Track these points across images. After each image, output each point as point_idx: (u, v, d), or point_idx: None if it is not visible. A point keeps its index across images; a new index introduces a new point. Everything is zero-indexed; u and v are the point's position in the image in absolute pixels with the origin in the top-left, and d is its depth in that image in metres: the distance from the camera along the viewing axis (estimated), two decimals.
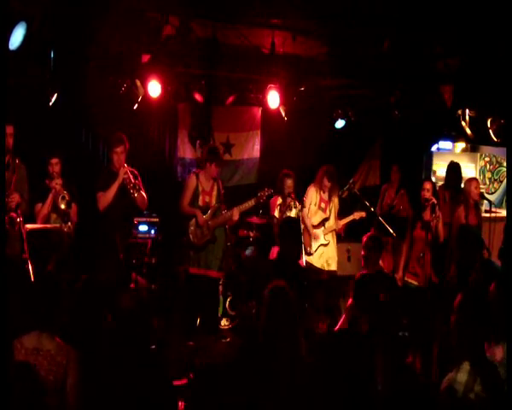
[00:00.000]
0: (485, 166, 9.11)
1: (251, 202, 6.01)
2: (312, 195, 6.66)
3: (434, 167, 8.84)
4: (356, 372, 2.55)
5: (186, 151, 8.02)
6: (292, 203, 6.26)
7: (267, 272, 5.86)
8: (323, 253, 6.64)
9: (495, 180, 9.10)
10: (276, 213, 6.52)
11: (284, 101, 7.33)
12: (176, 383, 3.84)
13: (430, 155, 8.88)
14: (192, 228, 5.90)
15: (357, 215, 6.74)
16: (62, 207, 5.36)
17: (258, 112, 8.26)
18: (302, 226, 6.53)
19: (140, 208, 5.70)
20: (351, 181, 6.92)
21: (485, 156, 9.10)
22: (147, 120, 7.64)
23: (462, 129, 7.33)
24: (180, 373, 4.27)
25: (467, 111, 7.19)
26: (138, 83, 6.64)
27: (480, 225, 6.24)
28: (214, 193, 6.02)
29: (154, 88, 6.64)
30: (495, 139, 7.20)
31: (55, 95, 6.18)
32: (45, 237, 4.98)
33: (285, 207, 6.28)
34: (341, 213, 6.84)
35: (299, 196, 6.51)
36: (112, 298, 3.48)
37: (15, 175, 4.86)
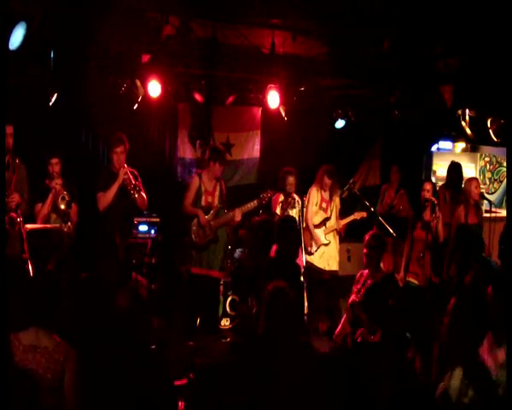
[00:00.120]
0: (485, 166, 9.11)
1: (253, 204, 6.01)
2: (313, 195, 6.66)
3: (434, 167, 8.84)
4: (358, 375, 2.55)
5: (186, 151, 8.02)
6: (293, 202, 6.25)
7: (265, 272, 5.87)
8: (324, 253, 6.64)
9: (495, 180, 9.10)
10: (278, 211, 6.51)
11: (284, 101, 7.33)
12: (176, 383, 3.84)
13: (430, 155, 8.88)
14: (194, 228, 5.91)
15: (357, 215, 6.74)
16: (62, 207, 5.36)
17: (258, 112, 8.26)
18: (304, 225, 6.55)
19: (140, 209, 5.70)
20: (351, 181, 6.92)
21: (485, 156, 9.10)
22: (147, 120, 7.64)
23: (462, 129, 7.33)
24: (180, 373, 4.27)
25: (467, 111, 7.19)
26: (138, 83, 6.64)
27: (481, 225, 6.24)
28: (217, 193, 6.03)
29: (154, 88, 6.64)
30: (495, 139, 7.20)
31: (55, 95, 6.18)
32: (45, 237, 4.97)
33: (286, 204, 6.26)
34: (342, 213, 6.84)
35: (300, 195, 6.50)
36: (111, 297, 3.48)
37: (15, 175, 4.86)
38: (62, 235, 5.27)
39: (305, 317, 5.78)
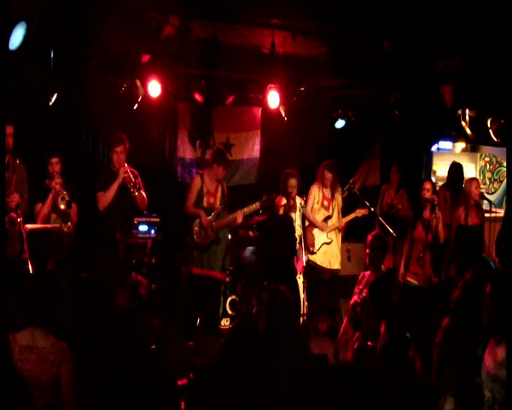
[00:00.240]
0: (485, 166, 9.11)
1: (255, 206, 6.01)
2: (315, 193, 6.66)
3: (434, 167, 8.84)
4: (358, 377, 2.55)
5: (186, 151, 8.02)
6: (295, 205, 6.24)
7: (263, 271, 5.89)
8: (327, 251, 6.64)
9: (495, 180, 9.10)
10: (281, 213, 6.50)
11: (284, 101, 7.33)
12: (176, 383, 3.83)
13: (430, 155, 8.88)
14: (196, 228, 5.91)
15: (359, 213, 6.73)
16: (62, 207, 5.35)
17: (258, 112, 8.26)
18: (307, 224, 6.56)
19: (140, 208, 5.70)
20: (351, 181, 6.92)
21: (485, 156, 9.10)
22: (147, 120, 7.64)
23: (462, 129, 7.34)
24: (180, 373, 4.27)
25: (467, 111, 7.20)
26: (138, 83, 6.64)
27: (482, 225, 6.22)
28: (218, 194, 6.03)
29: (154, 88, 6.64)
30: (495, 139, 7.20)
31: (55, 95, 6.18)
32: (45, 237, 4.97)
33: (289, 207, 6.25)
34: (343, 213, 6.84)
35: (301, 196, 6.50)
36: (111, 297, 3.48)
37: (15, 175, 4.86)
38: (62, 235, 5.27)
39: (305, 317, 5.80)
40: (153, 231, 7.07)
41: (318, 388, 2.86)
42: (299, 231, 6.22)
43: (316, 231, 6.63)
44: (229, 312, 6.64)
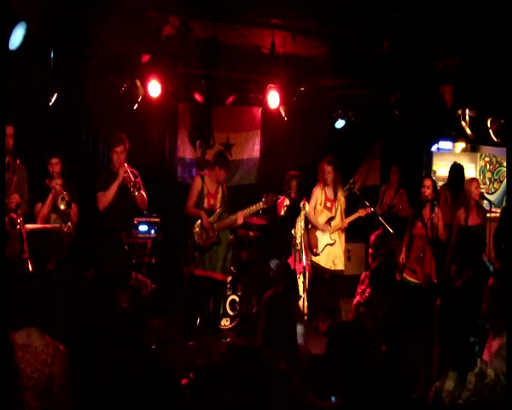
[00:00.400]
0: (485, 166, 9.11)
1: (255, 207, 6.01)
2: (317, 194, 6.66)
3: (434, 167, 8.83)
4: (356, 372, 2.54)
5: (186, 151, 8.02)
6: (300, 205, 6.25)
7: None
8: (330, 252, 6.63)
9: (495, 180, 9.10)
10: (283, 214, 6.51)
11: (284, 101, 7.33)
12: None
13: (430, 155, 8.87)
14: (197, 230, 5.91)
15: (362, 212, 6.72)
16: (62, 207, 5.35)
17: (258, 112, 8.26)
18: (309, 226, 6.56)
19: (140, 208, 5.70)
20: (351, 181, 6.92)
21: (485, 156, 9.09)
22: (147, 120, 7.64)
23: (462, 129, 7.34)
24: (180, 373, 4.27)
25: (467, 111, 7.20)
26: (138, 83, 6.64)
27: (484, 226, 6.20)
28: (219, 196, 6.03)
29: (154, 88, 6.64)
30: (495, 139, 7.20)
31: (55, 95, 6.18)
32: (45, 237, 4.98)
33: (291, 208, 6.24)
34: (345, 212, 6.84)
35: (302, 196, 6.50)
36: (114, 296, 3.48)
37: (16, 176, 4.86)
38: (62, 235, 5.27)
39: (305, 317, 5.80)
40: (153, 231, 7.07)
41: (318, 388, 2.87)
42: (300, 233, 6.23)
43: (319, 233, 6.63)
44: (230, 312, 6.65)
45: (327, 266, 6.61)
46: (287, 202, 6.48)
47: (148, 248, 6.95)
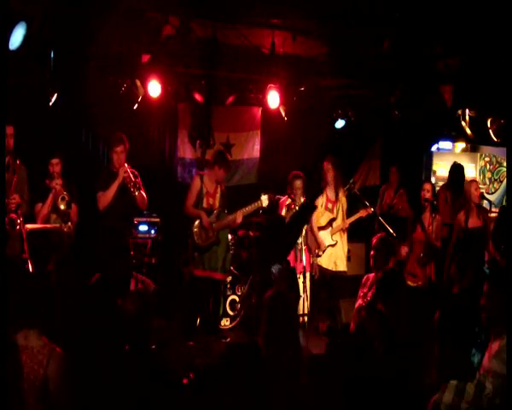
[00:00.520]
0: (485, 166, 9.11)
1: (254, 206, 6.00)
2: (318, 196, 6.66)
3: (434, 167, 8.84)
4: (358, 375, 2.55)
5: (186, 151, 8.02)
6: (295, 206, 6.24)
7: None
8: (332, 254, 6.63)
9: (495, 180, 9.11)
10: (284, 213, 6.51)
11: (284, 101, 7.33)
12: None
13: (430, 155, 8.88)
14: (196, 230, 5.90)
15: (363, 213, 6.72)
16: (62, 207, 5.36)
17: (258, 112, 8.26)
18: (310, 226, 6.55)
19: (140, 208, 5.70)
20: (351, 181, 6.91)
21: (485, 156, 9.10)
22: (147, 120, 7.64)
23: (462, 129, 7.34)
24: (180, 373, 4.27)
25: (467, 111, 7.20)
26: (138, 83, 6.64)
27: (486, 226, 6.20)
28: (218, 195, 6.02)
29: (154, 88, 6.64)
30: (495, 139, 7.21)
31: (55, 95, 6.17)
32: (45, 237, 4.98)
33: (293, 207, 6.23)
34: (346, 213, 6.85)
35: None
36: (119, 298, 3.47)
37: (16, 176, 4.86)
38: (62, 235, 5.27)
39: (305, 317, 5.80)
40: (153, 231, 7.07)
41: (318, 388, 2.87)
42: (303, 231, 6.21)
43: (320, 234, 6.62)
44: (230, 312, 6.65)
45: (328, 268, 6.60)
46: (289, 201, 6.47)
47: (148, 248, 6.95)
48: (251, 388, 2.79)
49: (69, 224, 5.45)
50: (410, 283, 6.02)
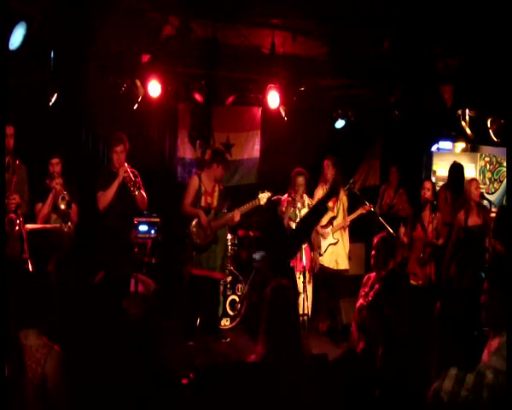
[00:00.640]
0: (485, 166, 9.11)
1: (251, 204, 6.01)
2: (319, 195, 6.66)
3: (434, 167, 8.84)
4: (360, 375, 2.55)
5: (186, 151, 8.02)
6: (305, 202, 6.25)
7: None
8: (333, 252, 6.63)
9: (495, 180, 9.11)
10: (284, 209, 6.50)
11: (284, 101, 7.33)
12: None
13: (430, 155, 8.88)
14: (194, 230, 5.90)
15: (363, 209, 6.72)
16: (62, 207, 5.36)
17: (258, 112, 8.26)
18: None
19: (140, 208, 5.70)
20: (351, 181, 6.92)
21: (485, 156, 9.10)
22: (147, 120, 7.64)
23: (462, 129, 7.34)
24: (180, 373, 4.28)
25: (467, 111, 7.20)
26: (138, 83, 6.64)
27: (486, 225, 6.20)
28: (216, 194, 6.03)
29: (154, 88, 6.64)
30: (495, 139, 7.20)
31: (55, 95, 6.18)
32: (45, 237, 4.98)
33: (293, 204, 6.22)
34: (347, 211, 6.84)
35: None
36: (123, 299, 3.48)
37: (15, 176, 4.86)
38: (62, 235, 5.27)
39: (305, 317, 5.79)
40: (153, 231, 7.08)
41: (318, 388, 2.86)
42: None
43: (320, 233, 6.62)
44: (230, 312, 6.65)
45: (330, 266, 6.61)
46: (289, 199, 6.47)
47: (148, 248, 6.95)
48: (251, 388, 2.79)
49: (69, 224, 5.45)
50: (412, 282, 6.02)
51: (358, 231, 7.23)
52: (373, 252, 5.18)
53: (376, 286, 5.02)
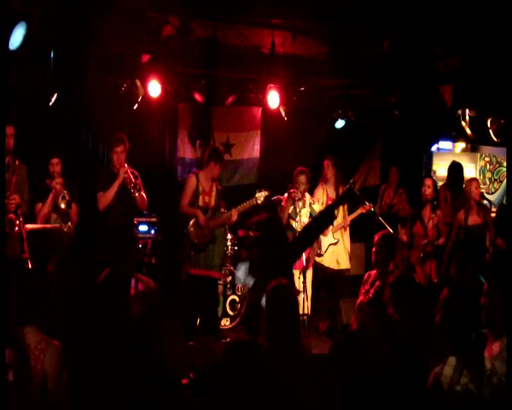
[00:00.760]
0: (485, 166, 9.11)
1: (248, 203, 6.01)
2: (319, 195, 6.67)
3: (434, 167, 8.84)
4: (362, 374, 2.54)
5: (186, 151, 8.02)
6: (306, 201, 6.27)
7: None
8: (333, 252, 6.64)
9: (495, 180, 9.11)
10: (284, 203, 6.51)
11: (284, 101, 7.33)
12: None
13: (430, 155, 8.88)
14: (192, 229, 5.90)
15: (363, 209, 6.72)
16: (62, 206, 5.36)
17: (258, 112, 8.26)
18: None
19: (140, 209, 5.70)
20: (351, 181, 6.91)
21: (485, 156, 9.10)
22: (147, 120, 7.64)
23: (462, 129, 7.34)
24: (180, 373, 4.27)
25: (467, 111, 7.20)
26: (138, 83, 6.64)
27: (486, 224, 6.20)
28: (213, 193, 6.03)
29: (154, 88, 6.64)
30: (495, 139, 7.21)
31: (55, 95, 6.18)
32: (45, 237, 4.98)
33: (294, 202, 6.23)
34: (347, 211, 6.85)
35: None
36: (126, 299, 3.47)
37: (15, 176, 4.86)
38: (62, 235, 5.27)
39: (305, 317, 5.79)
40: (153, 231, 7.07)
41: (318, 387, 2.86)
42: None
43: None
44: (230, 312, 6.65)
45: (330, 266, 6.61)
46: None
47: (148, 249, 6.94)
48: (251, 387, 2.78)
49: (69, 224, 5.45)
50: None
51: (358, 231, 7.23)
52: (374, 249, 5.19)
53: (377, 283, 5.03)
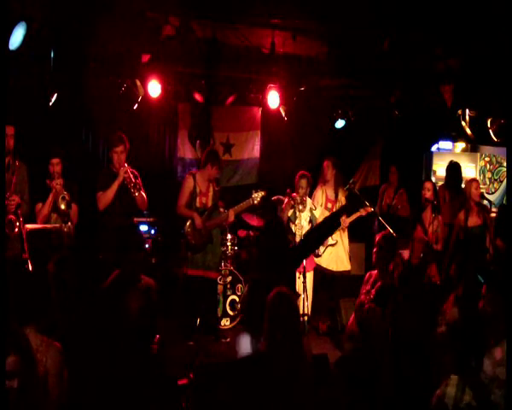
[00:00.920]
0: (485, 166, 9.11)
1: (245, 203, 6.01)
2: (318, 196, 6.66)
3: (434, 167, 8.84)
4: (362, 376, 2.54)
5: (186, 151, 8.02)
6: (306, 205, 6.28)
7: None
8: (332, 253, 6.63)
9: (495, 180, 9.11)
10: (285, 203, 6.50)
11: (284, 101, 7.33)
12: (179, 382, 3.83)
13: (430, 155, 8.88)
14: (189, 230, 5.89)
15: (363, 211, 6.72)
16: (62, 207, 5.35)
17: (258, 112, 8.26)
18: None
19: (140, 208, 5.70)
20: (351, 181, 6.91)
21: (485, 156, 9.10)
22: (147, 120, 7.64)
23: (462, 129, 7.35)
24: (180, 373, 4.27)
25: (467, 111, 7.20)
26: (138, 83, 6.64)
27: (486, 225, 6.20)
28: (210, 194, 6.02)
29: (154, 88, 6.64)
30: (495, 139, 7.21)
31: (55, 95, 6.18)
32: (45, 237, 4.97)
33: (295, 204, 6.23)
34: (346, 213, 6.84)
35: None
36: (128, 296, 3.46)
37: (15, 176, 4.86)
38: (62, 235, 5.27)
39: (305, 317, 5.79)
40: (153, 231, 7.07)
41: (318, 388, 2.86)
42: (301, 232, 6.22)
43: None
44: (230, 312, 6.65)
45: (329, 268, 6.60)
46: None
47: (148, 249, 6.94)
48: (251, 387, 2.79)
49: (69, 224, 5.44)
50: None
51: (358, 232, 7.23)
52: (375, 249, 5.19)
53: (378, 284, 5.03)
